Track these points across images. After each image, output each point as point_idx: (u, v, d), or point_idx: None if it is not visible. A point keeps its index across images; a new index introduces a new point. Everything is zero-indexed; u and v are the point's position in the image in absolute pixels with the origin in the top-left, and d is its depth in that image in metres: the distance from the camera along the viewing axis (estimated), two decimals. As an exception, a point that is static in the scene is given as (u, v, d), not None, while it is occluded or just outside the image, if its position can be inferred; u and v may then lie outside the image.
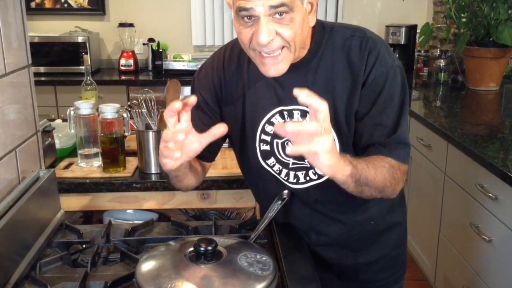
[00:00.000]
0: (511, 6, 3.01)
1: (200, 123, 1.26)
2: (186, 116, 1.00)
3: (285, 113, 1.19)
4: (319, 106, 0.87)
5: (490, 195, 2.00)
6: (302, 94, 0.86)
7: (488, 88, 3.29)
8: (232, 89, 1.24)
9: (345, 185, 1.04)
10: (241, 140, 1.27)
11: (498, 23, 2.99)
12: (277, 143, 1.22)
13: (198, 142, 1.02)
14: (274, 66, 1.07)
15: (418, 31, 3.69)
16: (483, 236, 2.06)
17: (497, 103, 3.20)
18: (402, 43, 3.92)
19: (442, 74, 3.60)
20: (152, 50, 4.01)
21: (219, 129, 1.00)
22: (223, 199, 1.81)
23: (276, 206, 1.23)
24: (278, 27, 1.02)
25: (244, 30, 1.05)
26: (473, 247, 2.19)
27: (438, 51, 3.85)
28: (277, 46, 1.04)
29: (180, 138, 0.99)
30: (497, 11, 2.93)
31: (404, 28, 3.92)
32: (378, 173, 1.08)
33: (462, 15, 3.19)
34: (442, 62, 3.61)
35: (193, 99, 0.98)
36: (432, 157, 2.63)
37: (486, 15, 3.06)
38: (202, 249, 1.01)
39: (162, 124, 1.76)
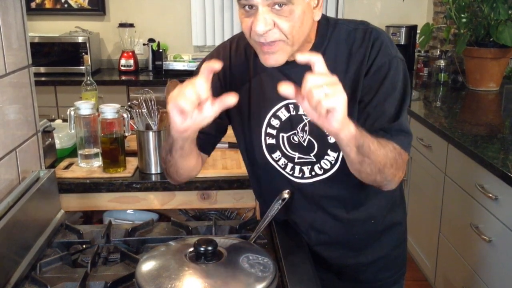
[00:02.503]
0: (511, 6, 3.01)
1: None
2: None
3: (291, 106, 1.19)
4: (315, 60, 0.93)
5: (490, 195, 2.00)
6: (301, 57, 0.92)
7: (488, 89, 3.29)
8: (237, 82, 1.24)
9: (348, 149, 1.01)
10: (246, 133, 1.27)
11: (498, 23, 2.99)
12: (282, 137, 1.22)
13: (211, 110, 0.98)
14: (271, 55, 1.07)
15: (418, 31, 3.69)
16: (483, 236, 2.06)
17: (497, 103, 3.20)
18: (402, 43, 3.92)
19: (442, 74, 3.60)
20: (152, 50, 4.01)
21: (230, 99, 0.97)
22: (223, 199, 1.80)
23: (277, 206, 1.23)
24: (277, 19, 1.03)
25: (245, 20, 1.06)
26: (473, 247, 2.19)
27: (438, 52, 3.85)
28: (274, 38, 1.04)
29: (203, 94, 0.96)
30: (497, 12, 2.93)
31: (404, 28, 3.92)
32: (381, 148, 1.06)
33: (462, 15, 3.19)
34: (442, 63, 3.61)
35: (217, 65, 0.97)
36: (432, 157, 2.63)
37: (486, 15, 3.06)
38: (202, 249, 1.01)
39: (162, 125, 1.76)
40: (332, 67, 1.14)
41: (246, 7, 1.04)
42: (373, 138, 1.05)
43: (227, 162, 1.86)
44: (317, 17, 1.11)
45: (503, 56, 3.18)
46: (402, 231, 1.40)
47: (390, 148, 1.09)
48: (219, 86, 1.25)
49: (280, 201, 1.23)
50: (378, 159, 1.06)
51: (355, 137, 0.99)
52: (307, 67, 1.15)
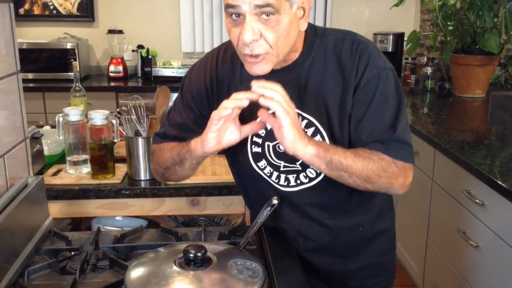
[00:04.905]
0: (497, 14, 3.05)
1: (189, 121, 1.26)
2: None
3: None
4: (272, 89, 1.01)
5: (477, 201, 2.01)
6: (256, 85, 1.01)
7: (474, 95, 3.33)
8: (224, 91, 1.24)
9: (316, 166, 1.10)
10: None
11: (484, 31, 3.03)
12: (268, 145, 1.22)
13: (238, 132, 1.11)
14: (256, 65, 1.08)
15: (405, 38, 3.73)
16: (470, 242, 2.08)
17: (483, 110, 3.24)
18: (390, 50, 3.95)
19: (429, 81, 3.64)
20: (141, 56, 4.01)
21: (260, 127, 1.12)
22: (213, 206, 1.81)
23: (266, 212, 1.23)
24: (263, 29, 1.04)
25: (233, 29, 1.07)
26: (461, 252, 2.21)
27: (425, 59, 3.89)
28: (259, 52, 1.06)
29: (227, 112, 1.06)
30: (483, 19, 2.97)
31: (391, 36, 3.96)
32: (359, 161, 1.10)
33: (449, 23, 3.23)
34: (429, 70, 3.65)
35: (245, 103, 1.04)
36: (419, 163, 2.65)
37: (472, 23, 3.10)
38: (191, 255, 1.01)
39: (151, 131, 1.76)
40: (323, 76, 1.15)
41: (234, 16, 1.05)
42: (346, 153, 1.09)
43: (216, 168, 1.86)
44: (303, 27, 1.12)
45: (489, 63, 3.22)
46: (390, 238, 1.40)
47: (374, 158, 1.11)
48: (205, 94, 1.25)
49: (269, 207, 1.23)
50: (357, 172, 1.10)
51: (317, 155, 1.07)
52: (293, 75, 1.16)
